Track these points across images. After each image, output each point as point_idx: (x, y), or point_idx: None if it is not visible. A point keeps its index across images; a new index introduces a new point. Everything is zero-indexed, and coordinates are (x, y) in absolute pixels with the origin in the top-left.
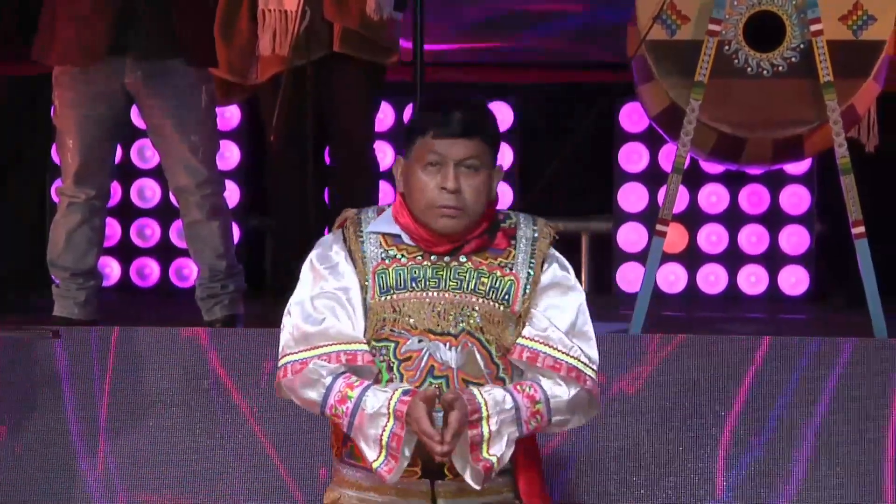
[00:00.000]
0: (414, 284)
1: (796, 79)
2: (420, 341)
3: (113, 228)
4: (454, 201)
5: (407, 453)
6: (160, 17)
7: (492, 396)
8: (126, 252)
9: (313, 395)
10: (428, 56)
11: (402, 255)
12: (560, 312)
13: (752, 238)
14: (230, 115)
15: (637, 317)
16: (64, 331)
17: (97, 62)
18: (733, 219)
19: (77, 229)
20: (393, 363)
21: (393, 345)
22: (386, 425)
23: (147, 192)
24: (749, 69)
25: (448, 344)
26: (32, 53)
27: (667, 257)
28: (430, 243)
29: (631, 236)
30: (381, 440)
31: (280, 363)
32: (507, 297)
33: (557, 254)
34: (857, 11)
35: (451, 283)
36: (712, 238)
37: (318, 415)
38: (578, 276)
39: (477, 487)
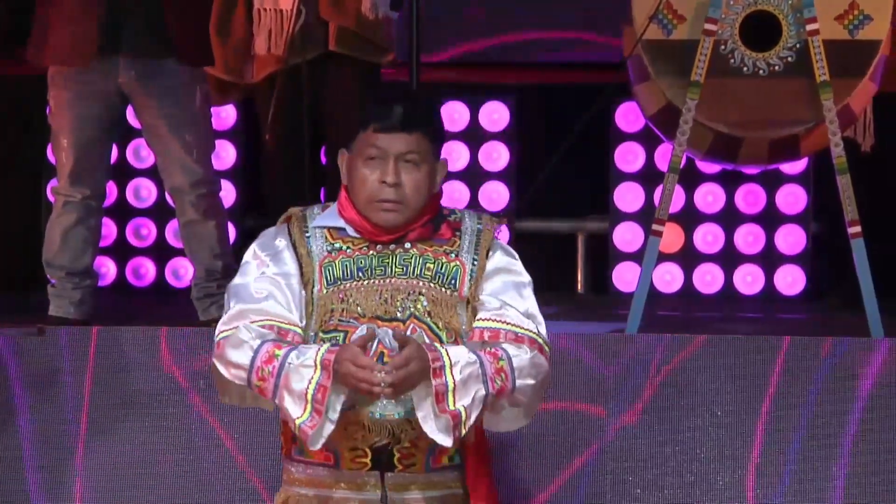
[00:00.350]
0: (360, 274)
1: (792, 78)
2: (368, 328)
3: (109, 228)
4: (394, 195)
5: (332, 414)
6: (153, 16)
7: (453, 349)
8: (122, 252)
9: (241, 358)
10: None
11: (348, 247)
12: (511, 296)
13: (749, 238)
14: (226, 115)
15: (633, 317)
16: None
17: (89, 62)
18: (729, 218)
19: (73, 229)
20: None
21: (342, 334)
22: (312, 377)
23: (143, 191)
24: (745, 69)
25: (397, 330)
26: (27, 54)
27: (663, 257)
28: (374, 234)
29: (627, 236)
30: (306, 394)
31: (215, 341)
32: (453, 281)
33: (503, 243)
34: (853, 11)
35: (396, 270)
36: (708, 238)
37: (245, 385)
38: (574, 275)
39: (447, 443)
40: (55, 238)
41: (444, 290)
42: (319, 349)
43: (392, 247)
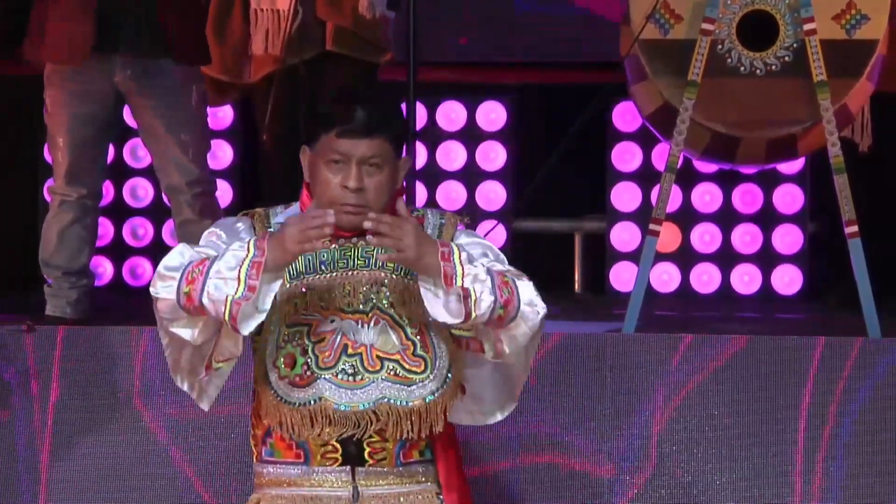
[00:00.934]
0: (323, 267)
1: (790, 78)
2: (332, 321)
3: (105, 228)
4: (356, 199)
5: (262, 304)
6: (150, 15)
7: (460, 247)
8: (119, 251)
9: (174, 264)
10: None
11: None
12: (492, 255)
13: (746, 237)
14: (223, 115)
15: (630, 316)
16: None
17: (84, 60)
18: (726, 218)
19: (69, 228)
20: (307, 346)
21: (306, 328)
22: (245, 257)
23: (140, 191)
24: (742, 68)
25: (360, 322)
26: (24, 53)
27: (660, 257)
28: (336, 229)
29: (624, 236)
30: (238, 272)
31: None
32: (414, 272)
33: (465, 230)
34: (851, 11)
35: (359, 262)
36: (705, 237)
37: (174, 305)
38: (572, 275)
39: (458, 319)
40: (52, 237)
41: (406, 280)
42: (252, 237)
43: (354, 240)
